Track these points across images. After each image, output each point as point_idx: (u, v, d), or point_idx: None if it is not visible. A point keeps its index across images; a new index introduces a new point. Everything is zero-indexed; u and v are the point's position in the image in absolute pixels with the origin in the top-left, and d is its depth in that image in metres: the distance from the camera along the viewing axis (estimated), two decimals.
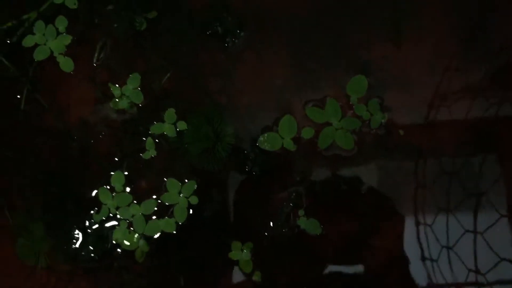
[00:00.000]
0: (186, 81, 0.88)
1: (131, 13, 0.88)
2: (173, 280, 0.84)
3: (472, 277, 0.81)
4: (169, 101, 0.86)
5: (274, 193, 0.85)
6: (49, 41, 0.87)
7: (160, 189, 0.84)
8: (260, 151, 0.84)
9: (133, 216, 0.82)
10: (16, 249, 0.84)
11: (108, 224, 0.83)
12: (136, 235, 0.82)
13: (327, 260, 0.83)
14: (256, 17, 0.89)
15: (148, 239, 0.82)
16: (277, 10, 0.89)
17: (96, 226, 0.83)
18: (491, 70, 0.86)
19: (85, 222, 0.83)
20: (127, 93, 0.86)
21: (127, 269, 0.83)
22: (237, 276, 0.83)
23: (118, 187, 0.83)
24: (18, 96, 0.87)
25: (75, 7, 0.88)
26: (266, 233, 0.83)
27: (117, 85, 0.86)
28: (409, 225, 0.83)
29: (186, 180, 0.83)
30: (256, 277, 0.82)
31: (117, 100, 0.86)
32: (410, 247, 0.83)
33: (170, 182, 0.83)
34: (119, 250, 0.83)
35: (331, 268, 0.83)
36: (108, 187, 0.83)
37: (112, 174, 0.83)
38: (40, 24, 0.87)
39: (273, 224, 0.83)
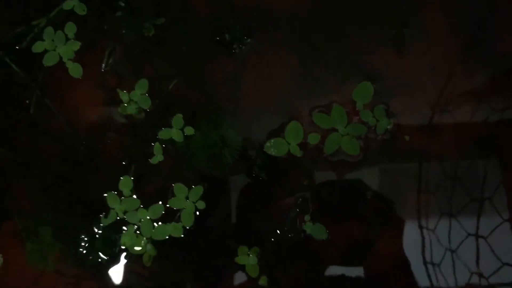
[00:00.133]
0: (194, 87, 0.89)
1: (140, 20, 0.89)
2: (179, 284, 0.84)
3: (474, 281, 0.81)
4: (176, 107, 0.87)
5: (280, 198, 0.85)
6: (59, 47, 0.87)
7: (168, 194, 0.84)
8: (266, 157, 0.85)
9: (140, 220, 0.83)
10: (24, 253, 0.84)
11: (116, 229, 0.84)
12: (143, 240, 0.82)
13: (333, 265, 0.84)
14: (263, 25, 0.90)
15: (155, 243, 0.83)
16: (284, 17, 0.90)
17: (104, 230, 0.84)
18: (494, 75, 0.87)
19: (93, 227, 0.84)
20: (135, 99, 0.86)
21: (135, 273, 0.84)
22: (244, 281, 0.83)
23: (126, 191, 0.84)
24: (27, 101, 0.88)
25: (84, 13, 0.89)
26: (272, 238, 0.84)
27: (125, 91, 0.87)
28: (413, 230, 0.84)
29: (193, 186, 0.84)
30: (263, 281, 0.82)
31: (125, 105, 0.86)
32: (414, 252, 0.83)
33: (178, 187, 0.83)
34: (126, 254, 0.83)
35: (337, 272, 0.84)
36: (116, 191, 0.84)
37: (120, 179, 0.84)
38: (49, 30, 0.88)
39: (279, 229, 0.84)
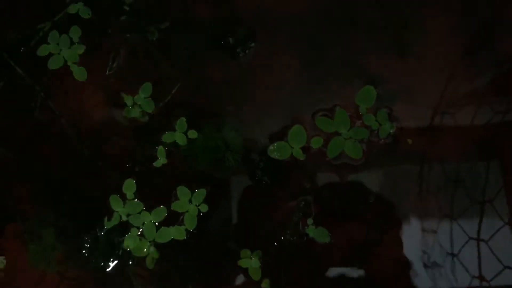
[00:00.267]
0: (197, 91, 0.89)
1: (144, 24, 0.90)
2: (182, 287, 0.84)
3: (475, 284, 0.81)
4: (180, 110, 0.87)
5: (283, 201, 0.85)
6: (63, 50, 0.88)
7: (171, 197, 0.84)
8: (269, 160, 0.85)
9: (144, 223, 0.83)
10: (27, 255, 0.85)
11: (119, 231, 0.84)
12: (147, 242, 0.83)
13: (335, 268, 0.84)
14: (266, 29, 0.90)
15: (158, 245, 0.83)
16: (287, 22, 0.91)
17: (107, 233, 0.84)
18: (496, 77, 0.87)
19: (96, 229, 0.84)
20: (139, 102, 0.87)
21: (137, 276, 0.84)
22: (246, 284, 0.83)
23: (129, 194, 0.84)
24: (32, 104, 0.88)
25: (88, 17, 0.90)
26: (275, 241, 0.84)
27: (129, 94, 0.87)
28: (415, 232, 0.84)
29: (196, 189, 0.84)
30: (265, 284, 0.82)
31: (129, 108, 0.87)
32: (415, 254, 0.83)
33: (181, 190, 0.83)
34: (129, 256, 0.83)
35: (339, 276, 0.84)
36: (119, 194, 0.84)
37: (123, 182, 0.84)
38: (54, 33, 0.88)
39: (281, 232, 0.84)
